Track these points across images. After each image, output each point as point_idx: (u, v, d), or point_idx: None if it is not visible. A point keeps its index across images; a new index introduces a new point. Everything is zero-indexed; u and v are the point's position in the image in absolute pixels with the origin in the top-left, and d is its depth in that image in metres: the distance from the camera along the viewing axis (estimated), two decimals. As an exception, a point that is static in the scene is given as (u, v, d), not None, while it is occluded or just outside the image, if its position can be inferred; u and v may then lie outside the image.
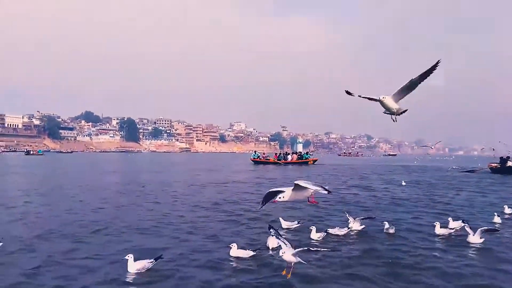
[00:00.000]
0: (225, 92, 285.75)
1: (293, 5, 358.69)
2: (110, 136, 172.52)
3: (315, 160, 49.17)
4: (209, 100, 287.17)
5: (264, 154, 54.00)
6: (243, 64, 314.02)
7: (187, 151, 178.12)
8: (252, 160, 49.12)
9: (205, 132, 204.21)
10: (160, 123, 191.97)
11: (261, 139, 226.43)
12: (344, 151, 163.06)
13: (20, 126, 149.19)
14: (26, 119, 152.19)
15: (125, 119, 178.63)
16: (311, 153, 58.21)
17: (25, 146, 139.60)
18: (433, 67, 5.40)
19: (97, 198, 14.20)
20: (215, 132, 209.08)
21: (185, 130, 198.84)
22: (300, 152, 55.55)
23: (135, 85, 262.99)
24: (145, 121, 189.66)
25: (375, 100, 5.85)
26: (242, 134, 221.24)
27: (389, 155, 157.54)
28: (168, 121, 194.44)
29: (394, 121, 6.12)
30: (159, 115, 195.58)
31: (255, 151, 56.66)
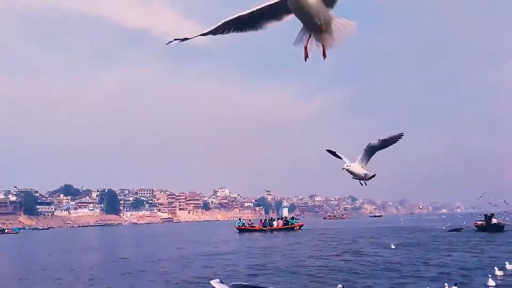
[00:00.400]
0: (209, 157, 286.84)
1: (274, 74, 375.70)
2: (90, 209, 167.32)
3: (301, 225, 48.47)
4: (193, 166, 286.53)
5: (249, 221, 53.06)
6: (227, 130, 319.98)
7: (169, 221, 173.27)
8: (237, 228, 48.04)
9: (188, 200, 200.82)
10: (141, 193, 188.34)
11: (246, 204, 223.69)
12: (329, 214, 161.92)
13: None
14: (2, 196, 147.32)
15: (106, 190, 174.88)
16: (297, 218, 57.61)
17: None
18: (397, 138, 5.45)
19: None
20: (198, 200, 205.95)
21: (167, 199, 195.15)
22: (286, 217, 54.92)
23: (117, 155, 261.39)
24: (126, 191, 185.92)
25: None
26: (226, 201, 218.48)
27: (375, 216, 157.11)
28: (150, 190, 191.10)
29: (362, 185, 6.07)
30: (141, 184, 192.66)
31: (239, 218, 55.77)
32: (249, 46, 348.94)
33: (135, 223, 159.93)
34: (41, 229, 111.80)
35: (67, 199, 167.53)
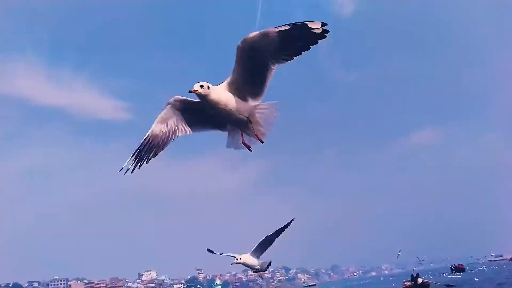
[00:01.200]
0: (130, 237, 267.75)
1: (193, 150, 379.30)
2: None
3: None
4: (112, 248, 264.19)
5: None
6: (148, 209, 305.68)
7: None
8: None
9: (109, 287, 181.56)
10: (54, 284, 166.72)
11: (175, 286, 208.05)
12: None
13: None
14: None
15: (10, 285, 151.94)
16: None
17: None
18: (288, 224, 5.49)
19: None
20: (121, 286, 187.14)
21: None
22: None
23: (24, 242, 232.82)
24: (35, 284, 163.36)
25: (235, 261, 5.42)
26: (153, 284, 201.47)
27: (309, 286, 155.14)
28: (64, 280, 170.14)
29: (259, 277, 5.79)
30: (54, 274, 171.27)
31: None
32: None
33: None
34: None
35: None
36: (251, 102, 4.00)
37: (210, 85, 3.90)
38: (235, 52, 3.64)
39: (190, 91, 3.80)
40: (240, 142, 4.13)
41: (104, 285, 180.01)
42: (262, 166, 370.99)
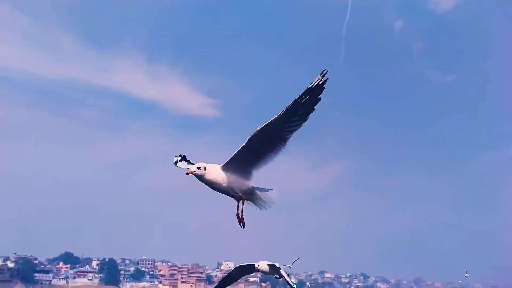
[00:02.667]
0: (212, 229, 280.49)
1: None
2: (88, 279, 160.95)
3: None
4: (196, 237, 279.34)
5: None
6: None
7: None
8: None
9: (190, 273, 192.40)
10: (143, 264, 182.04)
11: (251, 279, 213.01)
12: None
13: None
14: (0, 262, 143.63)
15: (106, 259, 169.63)
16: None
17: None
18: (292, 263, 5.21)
19: None
20: (201, 272, 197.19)
21: (169, 271, 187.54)
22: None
23: (120, 223, 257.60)
24: (127, 261, 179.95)
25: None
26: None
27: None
28: (151, 261, 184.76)
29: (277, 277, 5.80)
30: (143, 254, 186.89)
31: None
32: (256, 117, 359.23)
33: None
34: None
35: (67, 267, 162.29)
36: (250, 177, 4.33)
37: (206, 166, 4.24)
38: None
39: (187, 173, 4.17)
40: (236, 212, 4.46)
41: (186, 269, 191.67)
42: (341, 169, 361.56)
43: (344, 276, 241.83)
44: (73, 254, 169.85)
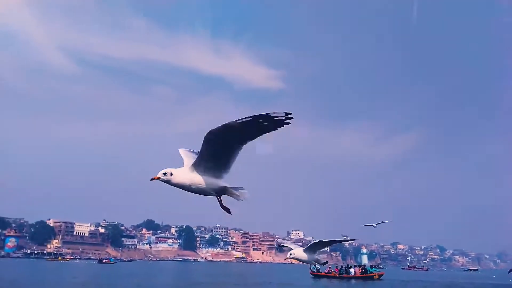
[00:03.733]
0: (282, 197, 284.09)
1: (351, 115, 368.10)
2: (169, 245, 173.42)
3: (381, 275, 44.05)
4: (266, 206, 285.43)
5: (329, 267, 49.65)
6: (298, 170, 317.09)
7: (243, 260, 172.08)
8: (311, 274, 45.15)
9: (261, 240, 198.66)
10: (217, 231, 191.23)
11: (321, 249, 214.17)
12: (408, 264, 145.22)
13: (86, 234, 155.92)
14: (92, 227, 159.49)
15: (184, 227, 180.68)
16: (381, 266, 52.70)
17: (89, 253, 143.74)
18: (347, 240, 4.78)
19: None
20: (272, 240, 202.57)
21: (241, 238, 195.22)
22: (364, 265, 50.55)
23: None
24: (202, 229, 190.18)
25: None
26: (301, 243, 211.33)
27: (470, 270, 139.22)
28: (224, 229, 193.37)
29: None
30: (216, 222, 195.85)
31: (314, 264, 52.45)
32: (322, 87, 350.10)
33: (210, 260, 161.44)
34: (125, 261, 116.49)
35: (149, 233, 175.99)
36: (222, 176, 4.35)
37: (173, 171, 4.27)
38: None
39: (152, 179, 4.17)
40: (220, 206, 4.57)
41: (257, 237, 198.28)
42: (415, 138, 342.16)
43: (419, 248, 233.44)
44: (154, 221, 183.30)
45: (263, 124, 3.83)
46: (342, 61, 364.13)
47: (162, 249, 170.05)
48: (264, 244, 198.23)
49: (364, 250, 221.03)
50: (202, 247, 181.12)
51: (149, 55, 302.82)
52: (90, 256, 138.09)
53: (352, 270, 44.07)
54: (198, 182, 4.24)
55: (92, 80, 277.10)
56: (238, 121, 3.78)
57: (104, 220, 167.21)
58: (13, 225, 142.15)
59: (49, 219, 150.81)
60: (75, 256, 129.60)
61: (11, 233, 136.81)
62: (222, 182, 4.38)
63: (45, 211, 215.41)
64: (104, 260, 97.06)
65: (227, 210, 4.50)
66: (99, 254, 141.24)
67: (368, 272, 44.03)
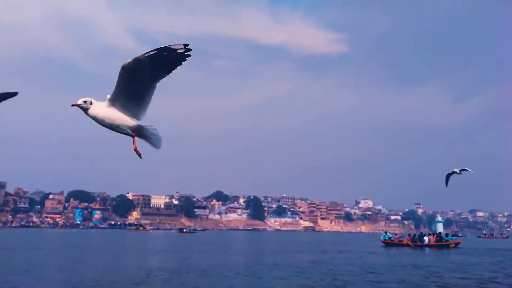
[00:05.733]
0: (349, 166, 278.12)
1: (419, 76, 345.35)
2: (238, 214, 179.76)
3: (458, 243, 41.29)
4: (332, 175, 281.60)
5: (396, 235, 47.81)
6: (366, 137, 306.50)
7: (311, 229, 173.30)
8: (382, 242, 43.76)
9: (329, 210, 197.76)
10: (283, 201, 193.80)
11: (392, 217, 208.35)
12: (485, 232, 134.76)
13: (162, 206, 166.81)
14: (167, 200, 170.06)
15: (251, 197, 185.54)
16: (460, 234, 49.54)
17: (165, 224, 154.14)
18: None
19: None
20: (339, 210, 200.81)
21: (308, 208, 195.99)
22: (440, 233, 47.79)
23: (263, 163, 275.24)
24: (269, 199, 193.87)
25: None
26: (370, 212, 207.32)
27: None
28: (291, 199, 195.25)
29: None
30: (282, 193, 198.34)
31: (385, 232, 50.70)
32: (388, 48, 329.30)
33: (279, 230, 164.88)
34: (199, 230, 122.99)
35: (219, 204, 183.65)
36: (139, 116, 4.33)
37: (93, 101, 4.17)
38: None
39: (72, 105, 4.12)
40: (133, 147, 4.40)
41: (325, 207, 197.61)
42: (490, 99, 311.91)
43: (501, 215, 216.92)
44: (222, 192, 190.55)
45: (168, 57, 3.92)
46: (413, 19, 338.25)
47: (232, 219, 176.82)
48: (331, 213, 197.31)
49: (439, 218, 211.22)
50: (270, 217, 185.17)
51: (209, 29, 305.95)
52: (166, 226, 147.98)
53: (426, 238, 41.81)
54: (112, 118, 4.20)
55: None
56: (145, 55, 3.85)
57: (177, 192, 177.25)
58: (98, 198, 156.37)
59: (128, 193, 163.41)
60: (154, 227, 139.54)
61: (97, 206, 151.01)
62: (136, 121, 4.35)
63: (123, 185, 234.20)
64: (184, 230, 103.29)
65: (138, 153, 4.37)
66: (174, 224, 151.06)
67: (443, 240, 41.54)
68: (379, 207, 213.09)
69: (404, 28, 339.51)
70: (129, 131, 4.35)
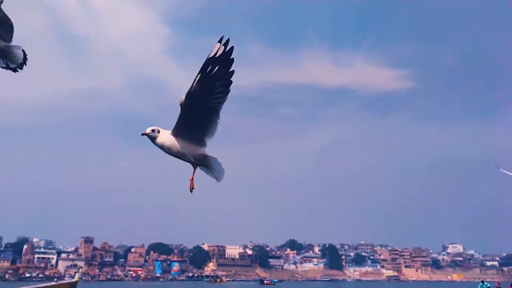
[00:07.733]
0: (430, 207, 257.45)
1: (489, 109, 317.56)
2: (314, 264, 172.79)
3: None
4: (412, 218, 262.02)
5: (498, 284, 42.11)
6: (446, 173, 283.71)
7: (395, 279, 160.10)
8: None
9: (413, 257, 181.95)
10: (362, 248, 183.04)
11: (487, 263, 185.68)
12: None
13: (236, 256, 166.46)
14: (241, 250, 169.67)
15: (327, 245, 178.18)
16: None
17: (241, 275, 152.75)
18: None
19: None
20: (425, 256, 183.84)
21: (390, 255, 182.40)
22: (552, 282, 41.17)
23: (336, 209, 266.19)
24: (346, 246, 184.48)
25: None
26: (461, 258, 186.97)
27: None
28: (370, 245, 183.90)
29: None
30: (360, 239, 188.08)
31: (482, 281, 44.94)
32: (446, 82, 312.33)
33: (359, 280, 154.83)
34: (276, 282, 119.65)
35: (293, 253, 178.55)
36: (203, 146, 4.42)
37: (161, 130, 4.32)
38: None
39: (142, 134, 4.26)
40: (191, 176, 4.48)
41: (408, 253, 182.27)
42: None
43: None
44: (296, 241, 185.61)
45: (216, 72, 3.89)
46: (482, 46, 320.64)
47: (308, 269, 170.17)
48: (416, 261, 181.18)
49: None
50: (349, 266, 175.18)
51: (271, 78, 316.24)
52: (242, 278, 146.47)
53: (534, 288, 36.23)
54: (178, 146, 4.34)
55: (224, 110, 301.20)
56: (194, 84, 3.87)
57: (251, 241, 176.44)
58: (175, 250, 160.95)
59: (203, 244, 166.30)
60: (229, 278, 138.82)
61: (175, 258, 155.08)
62: (201, 150, 4.45)
63: (199, 236, 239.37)
64: (265, 282, 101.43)
65: (192, 186, 4.42)
66: (250, 275, 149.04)
67: (558, 291, 35.61)
68: (471, 251, 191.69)
69: (473, 57, 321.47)
70: (192, 159, 4.41)
